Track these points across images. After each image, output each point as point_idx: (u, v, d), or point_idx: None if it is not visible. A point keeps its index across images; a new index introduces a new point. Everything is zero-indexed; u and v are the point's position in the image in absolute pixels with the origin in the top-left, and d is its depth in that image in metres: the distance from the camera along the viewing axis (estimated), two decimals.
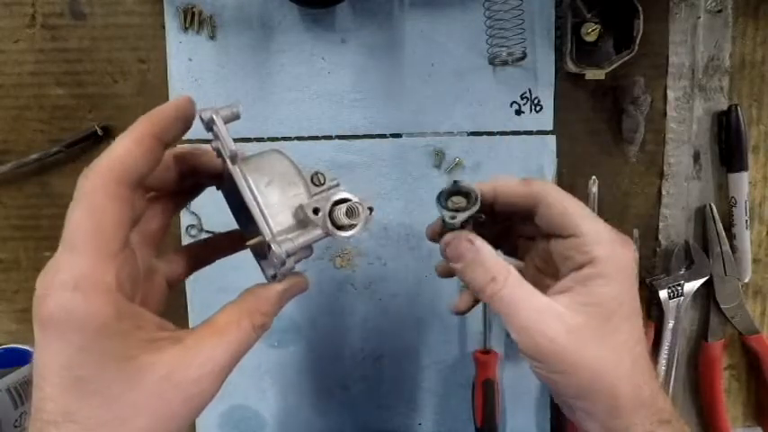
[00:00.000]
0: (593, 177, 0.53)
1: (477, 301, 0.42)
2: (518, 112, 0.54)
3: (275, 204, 0.30)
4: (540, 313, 0.31)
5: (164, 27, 0.51)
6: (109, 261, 0.25)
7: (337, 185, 0.33)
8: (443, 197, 0.34)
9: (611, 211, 0.55)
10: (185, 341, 0.27)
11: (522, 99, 0.53)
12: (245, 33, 0.51)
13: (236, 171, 0.29)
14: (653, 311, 0.56)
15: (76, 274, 0.25)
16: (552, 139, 0.54)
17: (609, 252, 0.32)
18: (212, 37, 0.51)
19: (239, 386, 0.55)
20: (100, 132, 0.51)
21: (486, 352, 0.55)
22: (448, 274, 0.43)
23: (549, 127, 0.54)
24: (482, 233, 0.35)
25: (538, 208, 0.34)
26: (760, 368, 0.56)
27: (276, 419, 0.56)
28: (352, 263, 0.55)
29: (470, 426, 0.55)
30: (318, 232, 0.30)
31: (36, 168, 0.52)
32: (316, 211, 0.29)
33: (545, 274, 0.37)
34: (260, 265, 0.34)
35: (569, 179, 0.54)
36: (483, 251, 0.33)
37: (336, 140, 0.53)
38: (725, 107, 0.54)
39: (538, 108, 0.54)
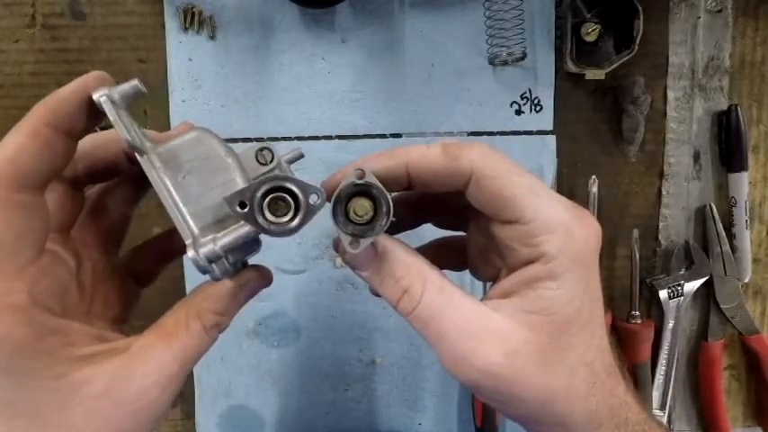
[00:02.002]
0: (593, 177, 0.53)
1: None
2: (518, 112, 0.54)
3: (196, 198, 0.25)
4: (470, 334, 0.25)
5: (164, 27, 0.51)
6: (14, 278, 0.23)
7: (296, 157, 0.28)
8: (341, 206, 0.25)
9: (611, 211, 0.55)
10: (129, 350, 0.25)
11: (522, 99, 0.53)
12: (245, 33, 0.51)
13: (144, 162, 0.25)
14: (653, 311, 0.56)
15: None
16: (552, 139, 0.54)
17: (563, 242, 0.25)
18: (212, 37, 0.51)
19: (239, 386, 0.55)
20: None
21: None
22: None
23: (549, 127, 0.54)
24: (403, 199, 0.28)
25: (468, 187, 0.26)
26: (760, 368, 0.56)
27: (276, 419, 0.56)
28: None
29: (470, 426, 0.55)
30: (247, 229, 0.25)
31: None
32: (242, 204, 0.23)
33: (493, 252, 0.30)
34: None
35: (569, 179, 0.54)
36: (390, 254, 0.26)
37: (336, 140, 0.53)
38: (725, 107, 0.54)
39: (538, 108, 0.54)
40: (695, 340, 0.57)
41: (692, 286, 0.55)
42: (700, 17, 0.53)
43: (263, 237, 0.26)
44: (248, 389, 0.55)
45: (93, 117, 0.25)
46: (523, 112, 0.54)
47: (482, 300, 0.27)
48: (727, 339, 0.57)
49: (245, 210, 0.23)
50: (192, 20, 0.50)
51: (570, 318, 0.25)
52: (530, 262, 0.26)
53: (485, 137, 0.54)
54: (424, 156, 0.26)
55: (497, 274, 0.29)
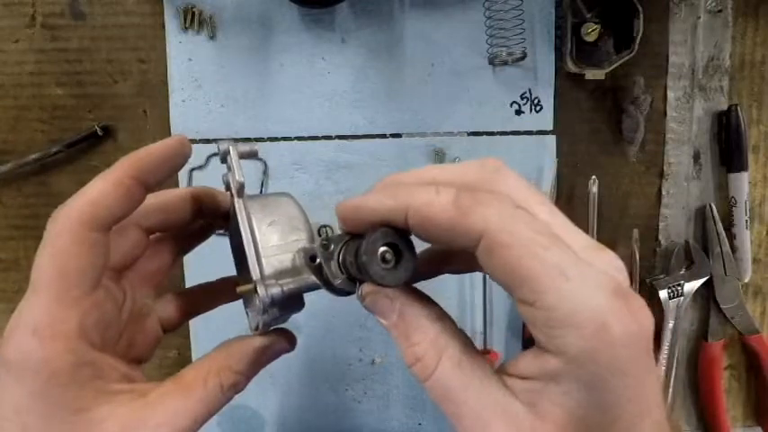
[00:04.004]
0: (593, 177, 0.53)
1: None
2: (518, 112, 0.54)
3: (273, 246, 0.28)
4: (485, 423, 0.21)
5: (164, 27, 0.51)
6: (70, 307, 0.25)
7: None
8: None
9: (611, 211, 0.55)
10: (147, 397, 0.26)
11: (522, 99, 0.53)
12: (245, 33, 0.51)
13: (239, 204, 0.28)
14: (653, 311, 0.56)
15: (36, 319, 0.24)
16: (552, 139, 0.54)
17: (590, 342, 0.19)
18: (212, 37, 0.51)
19: None
20: (100, 132, 0.51)
21: (487, 352, 0.55)
22: None
23: (549, 127, 0.54)
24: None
25: (475, 252, 0.21)
26: (760, 368, 0.56)
27: (276, 419, 0.56)
28: None
29: None
30: (312, 280, 0.27)
31: (36, 168, 0.51)
32: (313, 258, 0.27)
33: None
34: (247, 314, 0.32)
35: (569, 179, 0.54)
36: (407, 315, 0.23)
37: (336, 140, 0.53)
38: (725, 107, 0.54)
39: (538, 108, 0.54)
40: (695, 340, 0.57)
41: (691, 286, 0.55)
42: (700, 17, 0.53)
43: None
44: (248, 389, 0.55)
45: (168, 176, 0.28)
46: (523, 112, 0.54)
47: (503, 367, 0.23)
48: (727, 339, 0.57)
49: (315, 263, 0.27)
50: (192, 20, 0.50)
51: (604, 427, 0.20)
52: (551, 352, 0.20)
53: (485, 137, 0.54)
54: (430, 203, 0.21)
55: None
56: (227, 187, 0.29)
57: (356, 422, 0.57)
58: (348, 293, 0.27)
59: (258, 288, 0.26)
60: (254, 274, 0.27)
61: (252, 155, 0.29)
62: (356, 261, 0.24)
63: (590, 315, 0.19)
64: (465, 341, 0.23)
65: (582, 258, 0.20)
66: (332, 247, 0.26)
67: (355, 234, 0.25)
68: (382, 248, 0.23)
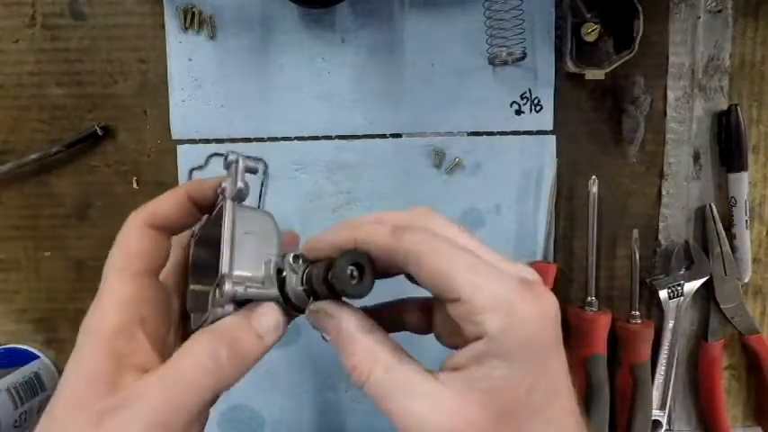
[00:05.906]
0: (593, 177, 0.53)
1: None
2: (518, 112, 0.54)
3: (245, 253, 0.30)
4: (416, 413, 0.24)
5: (164, 27, 0.51)
6: (125, 280, 0.29)
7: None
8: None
9: (611, 211, 0.55)
10: (124, 391, 0.26)
11: (522, 99, 0.53)
12: (245, 33, 0.51)
13: (229, 206, 0.30)
14: (653, 311, 0.56)
15: (101, 289, 0.29)
16: (552, 139, 0.54)
17: (506, 321, 0.24)
18: (212, 37, 0.51)
19: (239, 386, 0.55)
20: (100, 132, 0.51)
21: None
22: None
23: (549, 127, 0.54)
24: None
25: (408, 267, 0.26)
26: (760, 368, 0.56)
27: (276, 419, 0.56)
28: None
29: None
30: (273, 293, 0.29)
31: (36, 168, 0.51)
32: (279, 271, 0.30)
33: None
34: (191, 318, 0.34)
35: (569, 179, 0.54)
36: (343, 329, 0.28)
37: (336, 140, 0.53)
38: (725, 107, 0.54)
39: (538, 108, 0.54)
40: (695, 340, 0.57)
41: (692, 286, 0.55)
42: (700, 17, 0.53)
43: None
44: (248, 389, 0.55)
45: (213, 203, 0.33)
46: (523, 112, 0.54)
47: (441, 368, 0.27)
48: (727, 339, 0.57)
49: (280, 276, 0.29)
50: (192, 20, 0.50)
51: (520, 401, 0.24)
52: (477, 338, 0.24)
53: (485, 137, 0.54)
54: (373, 232, 0.27)
55: (462, 343, 0.28)
56: (221, 192, 0.32)
57: (356, 422, 0.57)
58: (298, 311, 0.30)
59: (226, 283, 0.28)
60: (224, 267, 0.28)
61: (253, 171, 0.33)
62: (326, 276, 0.27)
63: (501, 300, 0.24)
64: (396, 348, 0.28)
65: (490, 263, 0.25)
66: (300, 262, 0.29)
67: (320, 260, 0.29)
68: (350, 267, 0.27)
